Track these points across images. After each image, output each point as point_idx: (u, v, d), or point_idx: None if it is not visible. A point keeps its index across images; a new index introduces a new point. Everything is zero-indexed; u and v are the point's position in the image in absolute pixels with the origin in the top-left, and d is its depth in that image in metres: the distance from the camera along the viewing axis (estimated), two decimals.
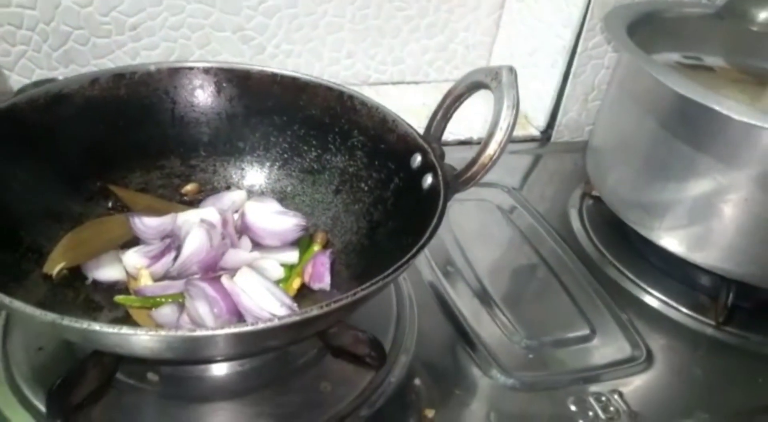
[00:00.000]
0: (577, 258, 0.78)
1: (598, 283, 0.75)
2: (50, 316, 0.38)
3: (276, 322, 0.39)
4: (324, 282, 0.59)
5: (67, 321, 0.38)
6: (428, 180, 0.58)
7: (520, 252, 0.78)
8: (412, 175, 0.61)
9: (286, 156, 0.71)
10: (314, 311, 0.40)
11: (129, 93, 0.66)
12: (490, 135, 0.53)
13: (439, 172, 0.57)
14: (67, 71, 0.90)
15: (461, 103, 0.61)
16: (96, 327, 0.38)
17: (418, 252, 0.47)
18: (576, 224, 0.83)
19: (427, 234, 0.49)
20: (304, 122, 0.70)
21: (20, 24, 0.85)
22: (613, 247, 0.80)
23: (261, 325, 0.39)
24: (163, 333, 0.38)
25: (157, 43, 0.92)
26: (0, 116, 0.57)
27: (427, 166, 0.59)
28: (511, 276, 0.75)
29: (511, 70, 0.55)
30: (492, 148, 0.53)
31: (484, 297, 0.70)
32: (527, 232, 0.81)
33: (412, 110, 1.02)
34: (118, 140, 0.66)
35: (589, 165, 0.85)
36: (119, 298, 0.55)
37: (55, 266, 0.54)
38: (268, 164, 0.71)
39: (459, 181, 0.55)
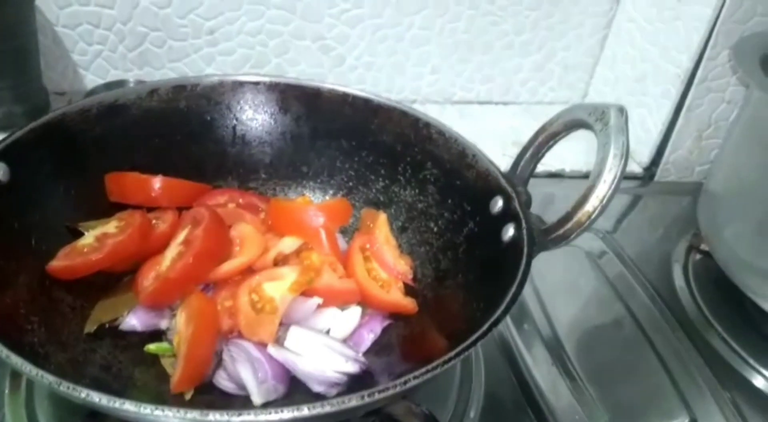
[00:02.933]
0: (678, 325, 0.67)
1: (701, 358, 0.64)
2: (48, 379, 0.32)
3: (304, 412, 0.32)
4: (359, 349, 0.51)
5: (65, 387, 0.32)
6: (509, 231, 0.49)
7: (609, 310, 0.68)
8: (490, 221, 0.52)
9: (350, 184, 0.64)
10: (353, 402, 0.33)
11: (189, 106, 0.62)
12: (591, 188, 0.44)
13: (524, 224, 0.48)
14: (141, 73, 0.88)
15: (556, 142, 0.53)
16: (96, 398, 0.32)
17: (489, 330, 0.38)
18: (679, 282, 0.72)
19: (501, 308, 0.40)
20: (374, 148, 0.63)
21: (98, 23, 0.83)
22: (722, 315, 0.68)
23: (287, 415, 0.32)
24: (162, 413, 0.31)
25: (233, 49, 0.88)
26: (48, 127, 0.53)
27: (509, 214, 0.51)
28: (597, 341, 0.65)
29: (622, 112, 0.46)
30: (592, 204, 0.44)
31: (564, 364, 0.60)
32: (620, 287, 0.71)
33: (497, 134, 0.93)
34: (173, 156, 0.61)
35: (700, 213, 0.73)
36: (150, 347, 0.49)
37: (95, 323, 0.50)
38: (331, 192, 0.65)
39: (548, 238, 0.47)
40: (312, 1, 0.86)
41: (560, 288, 0.70)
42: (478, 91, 0.99)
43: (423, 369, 0.36)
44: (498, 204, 0.52)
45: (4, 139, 0.50)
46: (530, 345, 0.62)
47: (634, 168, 0.91)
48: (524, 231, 0.47)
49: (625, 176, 0.86)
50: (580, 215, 0.45)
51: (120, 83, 0.84)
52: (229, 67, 0.89)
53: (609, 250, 0.76)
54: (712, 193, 0.72)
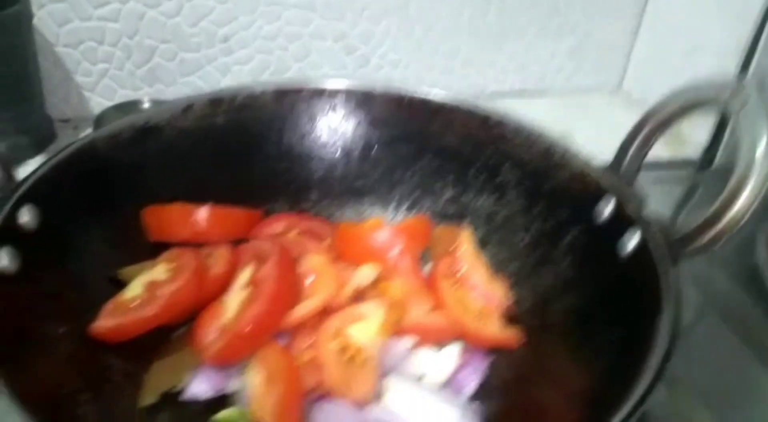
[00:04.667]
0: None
1: None
2: None
3: None
4: (461, 394, 0.43)
5: None
6: (631, 242, 0.42)
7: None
8: (597, 230, 0.45)
9: (415, 195, 0.57)
10: None
11: (229, 121, 0.54)
12: (741, 181, 0.37)
13: (651, 235, 0.40)
14: (151, 91, 0.80)
15: (668, 128, 0.45)
16: None
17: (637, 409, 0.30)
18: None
19: (651, 376, 0.31)
20: (438, 153, 0.56)
21: (101, 39, 0.75)
22: None
23: None
24: None
25: (250, 56, 0.80)
26: (76, 157, 0.45)
27: (624, 221, 0.43)
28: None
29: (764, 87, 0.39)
30: (744, 202, 0.37)
31: None
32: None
33: None
34: (217, 180, 0.53)
35: None
36: (219, 417, 0.41)
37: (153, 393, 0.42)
38: (392, 206, 0.58)
39: (685, 249, 0.39)
40: None
41: None
42: (512, 82, 0.92)
43: None
44: (606, 209, 0.45)
45: (27, 178, 0.42)
46: None
47: (688, 152, 0.83)
48: (651, 242, 0.40)
49: (677, 162, 0.81)
50: (731, 217, 0.37)
51: (132, 104, 0.76)
52: (246, 76, 0.82)
53: None
54: None
